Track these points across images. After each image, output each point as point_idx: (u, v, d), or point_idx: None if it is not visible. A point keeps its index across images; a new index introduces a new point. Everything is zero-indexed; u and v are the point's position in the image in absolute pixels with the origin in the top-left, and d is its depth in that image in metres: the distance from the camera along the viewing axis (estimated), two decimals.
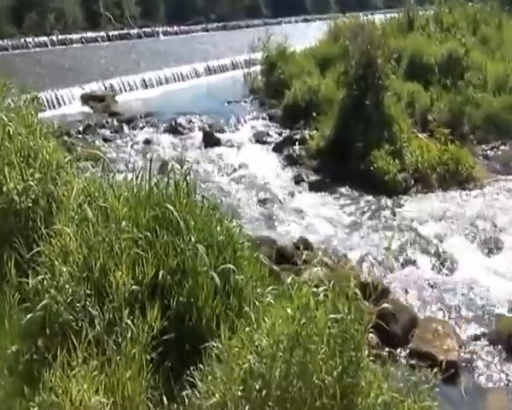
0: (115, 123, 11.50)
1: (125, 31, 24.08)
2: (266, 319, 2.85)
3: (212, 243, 3.51)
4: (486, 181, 8.00)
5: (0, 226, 3.45)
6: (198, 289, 3.29)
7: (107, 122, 11.54)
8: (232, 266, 3.37)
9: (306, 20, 31.43)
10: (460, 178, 7.89)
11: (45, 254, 3.25)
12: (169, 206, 3.52)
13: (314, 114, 9.78)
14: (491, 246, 6.09)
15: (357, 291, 2.95)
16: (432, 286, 5.22)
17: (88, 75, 14.93)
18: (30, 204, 3.64)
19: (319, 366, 2.75)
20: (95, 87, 14.05)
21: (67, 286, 2.96)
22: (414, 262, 5.74)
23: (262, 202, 7.57)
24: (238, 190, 7.92)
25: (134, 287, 3.16)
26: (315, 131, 9.49)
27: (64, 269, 2.98)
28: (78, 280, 3.10)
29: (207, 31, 27.54)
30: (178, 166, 4.00)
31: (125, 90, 14.52)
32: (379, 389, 2.79)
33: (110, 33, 22.87)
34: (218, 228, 3.67)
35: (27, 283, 3.09)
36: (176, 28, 26.12)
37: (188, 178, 3.88)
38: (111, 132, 10.93)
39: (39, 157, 3.91)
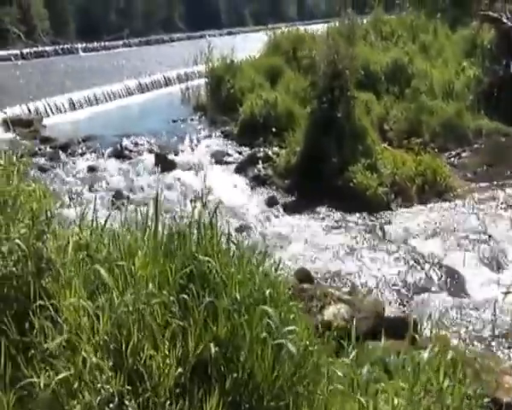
0: (49, 150, 10.30)
1: (40, 48, 22.43)
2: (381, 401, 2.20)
3: (259, 300, 2.82)
4: (463, 190, 7.82)
5: None
6: (254, 362, 2.60)
7: (39, 149, 10.31)
8: (295, 328, 2.70)
9: (231, 33, 31.14)
10: (439, 189, 7.65)
11: (53, 339, 2.40)
12: (206, 258, 2.80)
13: (274, 130, 9.24)
14: (494, 260, 5.80)
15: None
16: (457, 312, 4.78)
17: (7, 98, 13.49)
18: (14, 268, 2.76)
19: None
20: (17, 111, 12.70)
21: (108, 386, 2.15)
22: (428, 286, 5.30)
23: (238, 230, 6.84)
24: (207, 219, 7.15)
25: (179, 370, 2.42)
26: (277, 148, 8.94)
27: (105, 366, 2.16)
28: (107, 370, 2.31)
29: (130, 46, 26.39)
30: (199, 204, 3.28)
31: (53, 112, 13.27)
32: None
33: (24, 51, 21.18)
34: (257, 279, 2.98)
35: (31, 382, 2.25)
36: (96, 44, 24.77)
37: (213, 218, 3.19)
38: (46, 161, 9.73)
39: (17, 204, 3.03)
